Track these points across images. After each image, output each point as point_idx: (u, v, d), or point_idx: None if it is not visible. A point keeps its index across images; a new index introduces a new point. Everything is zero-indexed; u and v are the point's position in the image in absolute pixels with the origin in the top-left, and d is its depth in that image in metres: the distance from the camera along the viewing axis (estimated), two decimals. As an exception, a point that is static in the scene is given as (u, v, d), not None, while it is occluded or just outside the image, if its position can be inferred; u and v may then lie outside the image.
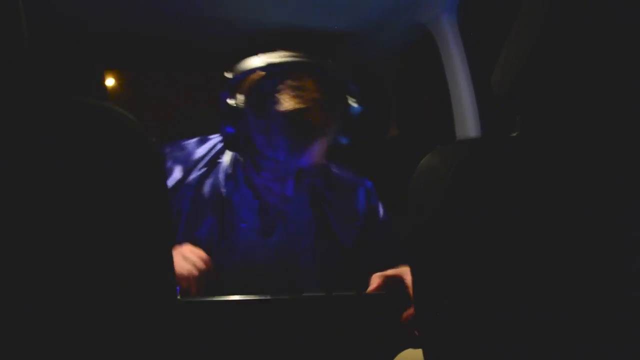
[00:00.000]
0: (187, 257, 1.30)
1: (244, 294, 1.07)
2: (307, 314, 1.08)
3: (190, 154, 1.51)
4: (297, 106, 1.29)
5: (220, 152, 1.53)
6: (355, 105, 1.42)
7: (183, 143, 1.54)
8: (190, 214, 1.45)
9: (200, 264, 1.29)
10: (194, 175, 1.48)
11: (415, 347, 1.12)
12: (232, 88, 1.37)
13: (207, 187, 1.48)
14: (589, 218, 0.80)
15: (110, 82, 3.10)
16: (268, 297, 1.07)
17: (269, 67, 1.33)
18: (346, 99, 1.42)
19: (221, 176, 1.50)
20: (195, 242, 1.40)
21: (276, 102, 1.30)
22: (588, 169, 0.83)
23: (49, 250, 0.69)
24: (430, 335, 0.81)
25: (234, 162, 1.50)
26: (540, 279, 0.77)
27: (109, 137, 0.72)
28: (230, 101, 1.35)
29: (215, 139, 1.56)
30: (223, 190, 1.49)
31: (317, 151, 1.37)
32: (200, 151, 1.52)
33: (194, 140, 1.55)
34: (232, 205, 1.48)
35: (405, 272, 1.27)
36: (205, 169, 1.50)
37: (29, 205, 0.69)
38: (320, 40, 2.14)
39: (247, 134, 1.37)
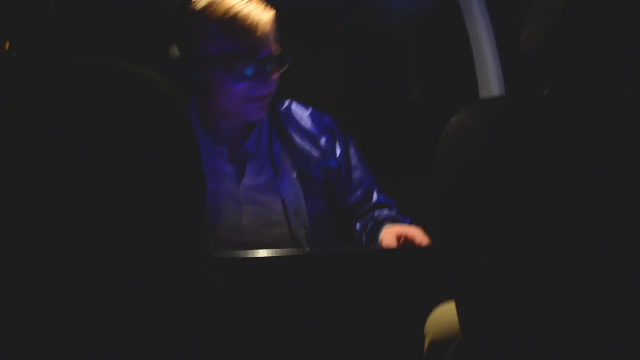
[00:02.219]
0: None
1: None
2: (338, 270, 1.09)
3: None
4: (264, 95, 1.45)
5: None
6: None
7: None
8: None
9: None
10: None
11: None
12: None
13: None
14: (624, 178, 0.79)
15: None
16: (300, 252, 1.08)
17: None
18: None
19: None
20: None
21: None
22: (621, 127, 0.83)
23: (83, 207, 0.70)
24: (464, 289, 0.82)
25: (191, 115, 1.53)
26: (575, 237, 0.77)
27: (133, 100, 0.73)
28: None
29: None
30: None
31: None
32: None
33: None
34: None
35: (414, 230, 1.31)
36: None
37: (57, 167, 0.70)
38: (341, 3, 2.12)
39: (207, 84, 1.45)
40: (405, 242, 1.30)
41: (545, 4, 0.90)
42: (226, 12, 1.39)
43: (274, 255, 1.11)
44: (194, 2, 1.42)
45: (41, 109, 0.71)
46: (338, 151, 1.59)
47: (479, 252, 0.78)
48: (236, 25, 1.39)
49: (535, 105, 0.86)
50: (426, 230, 1.35)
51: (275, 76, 1.47)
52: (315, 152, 1.57)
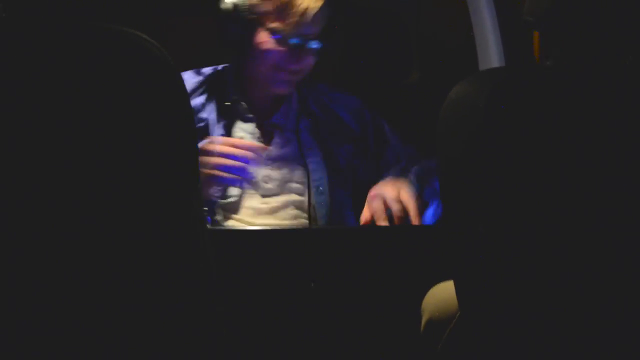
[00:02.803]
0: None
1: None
2: (335, 247, 1.08)
3: (188, 82, 1.57)
4: (295, 69, 1.50)
5: (212, 77, 1.62)
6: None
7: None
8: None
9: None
10: (195, 102, 1.56)
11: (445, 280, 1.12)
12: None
13: (203, 110, 1.56)
14: (629, 150, 0.78)
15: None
16: (299, 227, 1.07)
17: None
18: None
19: (214, 97, 1.58)
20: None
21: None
22: (625, 98, 0.81)
23: (72, 179, 0.69)
24: (463, 265, 0.80)
25: (228, 83, 1.60)
26: (578, 212, 0.76)
27: (124, 58, 0.71)
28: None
29: (204, 69, 1.65)
30: (218, 111, 1.56)
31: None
32: (194, 78, 1.61)
33: (190, 71, 1.63)
34: (230, 124, 1.55)
35: (399, 186, 1.34)
36: (205, 95, 1.58)
37: (46, 128, 0.69)
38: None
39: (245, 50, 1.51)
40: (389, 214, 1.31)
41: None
42: None
43: (270, 229, 1.10)
44: None
45: (31, 69, 0.70)
46: (368, 134, 1.63)
47: (480, 225, 0.77)
48: (289, 4, 1.45)
49: (537, 75, 0.84)
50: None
51: (311, 56, 1.52)
52: (342, 135, 1.62)
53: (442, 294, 1.10)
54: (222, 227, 1.05)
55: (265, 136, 1.58)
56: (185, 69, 1.62)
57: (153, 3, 2.17)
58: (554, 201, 0.75)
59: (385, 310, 1.15)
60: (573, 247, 0.77)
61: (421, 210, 1.30)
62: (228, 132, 1.54)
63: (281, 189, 1.53)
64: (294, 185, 1.54)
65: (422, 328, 1.11)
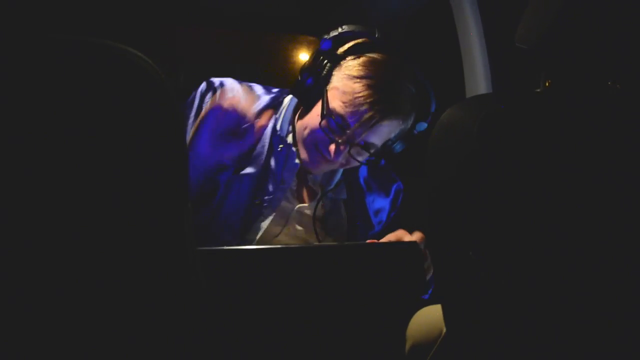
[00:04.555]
0: None
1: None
2: (324, 264, 1.07)
3: (259, 97, 1.50)
4: (328, 159, 1.37)
5: (272, 106, 1.51)
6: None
7: (251, 85, 1.52)
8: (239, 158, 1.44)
9: None
10: (258, 124, 1.46)
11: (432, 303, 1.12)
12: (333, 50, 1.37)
13: (259, 136, 1.47)
14: (617, 177, 0.78)
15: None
16: (284, 246, 1.05)
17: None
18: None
19: (269, 130, 1.47)
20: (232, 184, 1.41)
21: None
22: (614, 126, 0.81)
23: (60, 190, 0.67)
24: (452, 291, 0.80)
25: (285, 119, 1.48)
26: (567, 237, 0.75)
27: (113, 74, 0.69)
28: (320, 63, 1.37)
29: (269, 90, 1.54)
30: (267, 142, 1.46)
31: None
32: (267, 100, 1.50)
33: (262, 87, 1.53)
34: (276, 163, 1.45)
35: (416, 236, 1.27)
36: (264, 123, 1.47)
37: (35, 145, 0.67)
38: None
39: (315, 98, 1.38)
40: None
41: (543, 1, 0.88)
42: (375, 84, 1.32)
43: (259, 249, 1.08)
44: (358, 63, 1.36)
45: (19, 84, 0.68)
46: (384, 218, 1.56)
47: (470, 249, 0.76)
48: (367, 105, 1.31)
49: (528, 101, 0.84)
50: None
51: (352, 162, 1.40)
52: (371, 211, 1.54)
53: (425, 319, 1.10)
54: (209, 248, 1.04)
55: (304, 185, 1.50)
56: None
57: (154, 13, 2.16)
58: (545, 227, 0.75)
59: (370, 332, 1.14)
60: (563, 273, 0.76)
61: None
62: (273, 172, 1.44)
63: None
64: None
65: (406, 352, 1.11)
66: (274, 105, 1.50)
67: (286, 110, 1.49)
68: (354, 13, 2.21)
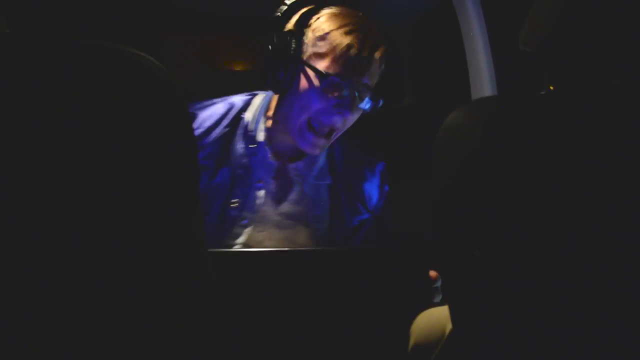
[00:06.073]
0: None
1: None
2: (323, 267, 1.07)
3: (214, 113, 1.48)
4: (334, 126, 1.37)
5: (243, 110, 1.49)
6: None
7: (205, 103, 1.51)
8: (206, 168, 1.43)
9: None
10: (217, 132, 1.45)
11: (438, 304, 1.12)
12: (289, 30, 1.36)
13: (227, 144, 1.45)
14: (622, 181, 0.78)
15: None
16: (283, 249, 1.06)
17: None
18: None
19: (240, 132, 1.47)
20: (207, 194, 1.40)
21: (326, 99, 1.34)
22: (619, 129, 0.81)
23: (71, 199, 0.68)
24: (458, 291, 0.80)
25: (256, 119, 1.47)
26: (572, 238, 0.76)
27: (127, 79, 0.70)
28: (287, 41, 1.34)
29: (236, 97, 1.53)
30: (241, 147, 1.45)
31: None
32: (222, 109, 1.49)
33: (217, 100, 1.52)
34: (249, 163, 1.45)
35: None
36: (228, 129, 1.46)
37: (49, 149, 0.68)
38: (335, 3, 2.10)
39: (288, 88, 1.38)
40: None
41: (547, 2, 0.89)
42: (348, 24, 1.34)
43: (263, 251, 1.09)
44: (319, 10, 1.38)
45: (31, 86, 0.69)
46: (374, 203, 1.55)
47: (475, 251, 0.77)
48: (354, 40, 1.32)
49: (532, 104, 0.85)
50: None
51: (356, 113, 1.40)
52: (356, 206, 1.52)
53: (429, 320, 1.11)
54: (219, 250, 1.05)
55: (283, 180, 1.48)
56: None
57: (150, 20, 2.17)
58: (549, 228, 0.75)
59: (374, 333, 1.14)
60: (568, 271, 0.77)
61: None
62: (247, 172, 1.44)
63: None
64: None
65: (409, 350, 1.11)
66: (242, 107, 1.50)
67: (255, 109, 1.48)
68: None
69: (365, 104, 1.38)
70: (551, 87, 0.90)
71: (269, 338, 1.09)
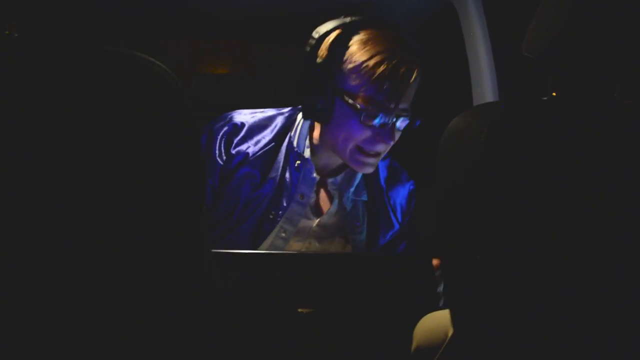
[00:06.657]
0: None
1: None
2: (327, 271, 1.08)
3: (260, 125, 1.50)
4: (380, 151, 1.39)
5: (288, 125, 1.52)
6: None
7: (249, 112, 1.53)
8: (253, 178, 1.46)
9: None
10: (264, 145, 1.48)
11: (440, 308, 1.13)
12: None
13: (273, 158, 1.47)
14: (626, 187, 0.79)
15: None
16: (294, 252, 1.07)
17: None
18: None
19: (286, 147, 1.49)
20: (250, 204, 1.43)
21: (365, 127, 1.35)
22: (622, 135, 0.82)
23: (77, 201, 0.69)
24: (459, 295, 0.81)
25: (302, 135, 1.50)
26: (576, 245, 0.77)
27: (134, 83, 0.71)
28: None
29: (279, 111, 1.55)
30: (287, 162, 1.48)
31: None
32: (268, 122, 1.51)
33: (259, 111, 1.54)
34: (293, 178, 1.47)
35: None
36: (274, 143, 1.48)
37: (55, 153, 0.68)
38: (338, 9, 2.10)
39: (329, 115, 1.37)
40: None
41: (550, 9, 0.89)
42: (379, 53, 1.33)
43: (270, 254, 1.10)
44: (350, 39, 1.36)
45: (40, 90, 0.69)
46: (400, 221, 1.58)
47: (479, 255, 0.77)
48: (386, 70, 1.31)
49: (536, 110, 0.86)
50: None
51: (397, 134, 1.40)
52: (391, 211, 1.56)
53: (431, 324, 1.11)
54: (222, 250, 1.05)
55: (322, 194, 1.52)
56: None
57: (154, 25, 2.18)
58: (553, 232, 0.76)
59: (377, 336, 1.15)
60: (570, 277, 0.77)
61: None
62: (291, 186, 1.46)
63: None
64: None
65: (411, 353, 1.12)
66: (288, 124, 1.52)
67: (301, 127, 1.50)
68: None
69: (404, 123, 1.39)
70: (554, 94, 0.90)
71: (272, 339, 1.09)
